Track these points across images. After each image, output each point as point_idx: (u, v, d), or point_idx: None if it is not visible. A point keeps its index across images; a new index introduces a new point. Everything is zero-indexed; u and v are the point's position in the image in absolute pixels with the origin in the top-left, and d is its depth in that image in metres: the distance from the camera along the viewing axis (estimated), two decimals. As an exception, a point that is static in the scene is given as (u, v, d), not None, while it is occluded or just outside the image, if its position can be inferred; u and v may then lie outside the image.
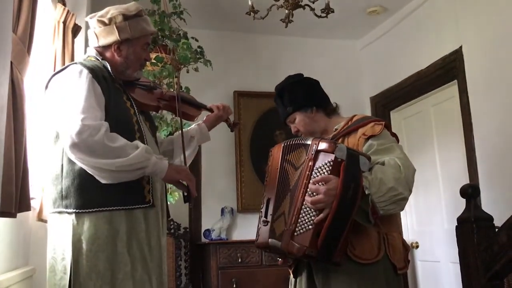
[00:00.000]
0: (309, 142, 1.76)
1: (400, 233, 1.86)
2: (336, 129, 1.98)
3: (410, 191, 1.74)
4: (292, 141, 1.86)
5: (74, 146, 1.64)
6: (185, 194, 1.85)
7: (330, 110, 2.06)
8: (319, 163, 1.69)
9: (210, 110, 2.22)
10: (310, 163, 1.71)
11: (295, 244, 1.66)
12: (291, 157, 1.83)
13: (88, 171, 1.69)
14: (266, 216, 1.82)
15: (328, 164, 1.67)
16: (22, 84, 1.72)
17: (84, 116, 1.65)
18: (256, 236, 1.86)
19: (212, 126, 2.25)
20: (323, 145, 1.70)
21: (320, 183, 1.65)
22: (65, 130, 1.66)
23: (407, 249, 1.87)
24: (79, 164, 1.69)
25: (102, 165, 1.66)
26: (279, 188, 1.82)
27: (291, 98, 2.04)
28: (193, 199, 1.85)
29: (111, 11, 1.90)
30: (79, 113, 1.66)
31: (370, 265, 1.74)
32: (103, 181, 1.69)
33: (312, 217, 1.65)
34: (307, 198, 1.66)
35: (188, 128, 2.23)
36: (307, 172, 1.70)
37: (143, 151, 1.70)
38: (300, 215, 1.68)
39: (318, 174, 1.69)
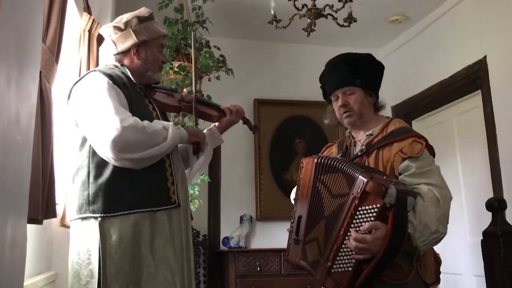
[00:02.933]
0: (355, 174, 1.60)
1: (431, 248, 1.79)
2: (371, 135, 1.85)
3: (448, 223, 1.69)
4: (327, 161, 1.73)
5: (121, 150, 1.69)
6: (195, 147, 2.02)
7: (379, 105, 1.94)
8: (365, 205, 1.57)
9: (223, 112, 2.22)
10: (355, 202, 1.58)
11: (332, 281, 1.62)
12: (326, 179, 1.71)
13: (131, 167, 1.75)
14: (297, 235, 1.77)
15: (375, 209, 1.56)
16: (50, 92, 1.75)
17: (121, 118, 1.69)
18: (287, 251, 1.83)
19: (224, 130, 2.24)
20: (372, 187, 1.55)
21: (366, 231, 1.56)
22: (105, 138, 1.69)
23: (438, 263, 1.81)
24: (124, 163, 1.74)
25: (149, 155, 1.75)
26: (312, 208, 1.75)
27: (364, 72, 1.86)
28: (200, 152, 2.03)
29: (125, 16, 1.96)
30: (114, 116, 1.69)
31: (400, 286, 1.67)
32: (143, 166, 1.78)
33: (352, 260, 1.59)
34: (352, 242, 1.57)
35: None
36: (351, 212, 1.59)
37: (174, 130, 1.82)
38: (339, 253, 1.62)
39: (362, 217, 1.59)
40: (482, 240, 2.16)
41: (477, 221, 3.81)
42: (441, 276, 4.41)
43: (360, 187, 1.57)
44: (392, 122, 1.88)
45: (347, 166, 1.66)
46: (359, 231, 1.57)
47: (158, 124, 1.82)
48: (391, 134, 1.81)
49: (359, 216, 1.59)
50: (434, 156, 1.81)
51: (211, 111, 2.18)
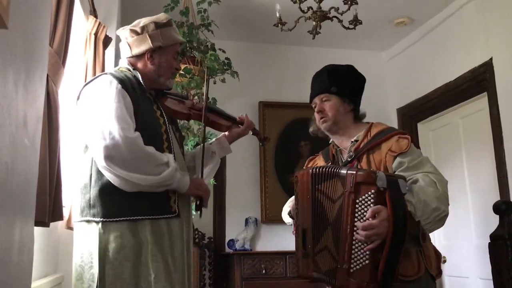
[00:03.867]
0: (343, 172, 1.69)
1: (430, 240, 1.84)
2: (356, 141, 1.92)
3: (448, 205, 1.73)
4: (322, 169, 1.79)
5: (109, 158, 1.68)
6: (197, 203, 1.95)
7: (358, 114, 2.01)
8: (360, 195, 1.63)
9: (240, 123, 2.22)
10: (351, 197, 1.64)
11: (353, 281, 1.62)
12: (324, 187, 1.75)
13: (112, 181, 1.72)
14: (305, 248, 1.78)
15: (370, 195, 1.61)
16: (57, 95, 1.75)
17: (121, 127, 1.69)
18: (297, 267, 1.85)
19: (233, 140, 2.25)
20: (361, 176, 1.63)
21: (370, 218, 1.60)
22: (99, 142, 1.69)
23: (438, 257, 1.85)
24: (108, 174, 1.72)
25: (132, 178, 1.71)
26: (315, 219, 1.76)
27: (340, 81, 1.96)
28: (202, 212, 1.96)
29: (143, 20, 1.95)
30: (114, 123, 1.69)
31: (413, 282, 1.72)
32: (125, 189, 1.73)
33: (366, 252, 1.61)
34: (361, 232, 1.61)
35: (209, 143, 2.23)
36: (351, 207, 1.64)
37: (172, 171, 1.76)
38: (353, 251, 1.63)
39: (362, 207, 1.63)
40: (489, 243, 2.15)
41: (484, 224, 3.79)
42: (448, 278, 4.40)
43: (351, 181, 1.64)
44: (373, 125, 1.95)
45: (338, 169, 1.73)
46: (364, 221, 1.61)
47: (162, 155, 1.78)
48: (375, 136, 1.88)
49: (359, 208, 1.63)
50: (418, 148, 1.89)
51: (221, 120, 2.16)
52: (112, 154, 1.67)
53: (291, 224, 2.08)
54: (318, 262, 1.74)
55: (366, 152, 1.86)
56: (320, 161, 2.07)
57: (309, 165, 2.13)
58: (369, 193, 1.61)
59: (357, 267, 1.62)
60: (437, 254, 1.85)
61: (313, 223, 1.77)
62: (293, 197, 2.10)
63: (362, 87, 2.04)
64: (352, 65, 2.07)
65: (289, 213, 2.03)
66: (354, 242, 1.63)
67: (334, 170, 1.74)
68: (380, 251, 1.58)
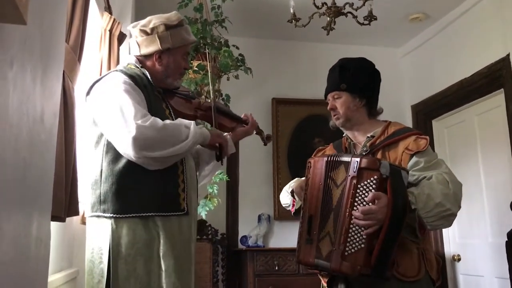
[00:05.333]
0: (347, 159, 1.72)
1: (431, 245, 1.84)
2: (372, 136, 1.92)
3: (459, 207, 1.71)
4: (334, 157, 1.80)
5: (142, 147, 1.68)
6: (218, 153, 1.99)
7: (374, 111, 2.00)
8: (363, 180, 1.65)
9: (245, 122, 2.22)
10: (353, 181, 1.66)
11: (347, 264, 1.63)
12: (334, 174, 1.77)
13: (150, 167, 1.74)
14: (309, 234, 1.78)
15: (373, 181, 1.63)
16: (73, 91, 1.77)
17: (140, 118, 1.69)
18: (297, 252, 1.83)
19: (238, 139, 2.23)
20: (365, 162, 1.65)
21: (370, 203, 1.62)
22: (126, 136, 1.68)
23: (438, 263, 1.84)
24: (145, 162, 1.73)
25: (169, 153, 1.73)
26: (323, 206, 1.77)
27: (351, 77, 1.95)
28: (223, 160, 2.02)
29: (153, 20, 1.93)
30: (134, 116, 1.69)
31: (413, 282, 1.71)
32: (162, 167, 1.76)
33: (363, 236, 1.62)
34: (357, 214, 1.63)
35: None
36: (352, 191, 1.66)
37: (196, 129, 1.80)
38: (349, 234, 1.65)
39: (363, 192, 1.65)
40: (506, 241, 2.12)
41: (499, 222, 3.75)
42: (463, 277, 4.36)
43: (356, 166, 1.66)
44: (391, 124, 1.95)
45: (346, 156, 1.76)
46: (364, 206, 1.63)
47: (180, 122, 1.82)
48: (394, 134, 1.87)
49: (360, 193, 1.65)
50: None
51: (227, 121, 2.15)
52: (142, 143, 1.67)
53: (288, 205, 2.08)
54: (321, 248, 1.74)
55: (382, 148, 1.86)
56: (330, 152, 2.06)
57: (318, 155, 2.11)
58: (371, 179, 1.64)
59: (352, 250, 1.64)
60: (437, 260, 1.84)
61: (321, 210, 1.77)
62: (296, 179, 2.12)
63: (374, 81, 2.01)
64: (365, 58, 2.04)
65: (292, 192, 2.03)
66: (351, 226, 1.65)
67: (341, 157, 1.76)
68: (376, 237, 1.60)
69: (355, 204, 1.65)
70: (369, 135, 1.93)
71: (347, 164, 1.70)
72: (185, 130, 1.79)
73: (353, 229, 1.65)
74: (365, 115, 1.97)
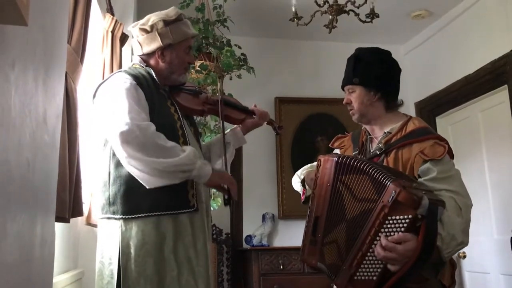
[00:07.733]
0: (384, 180, 1.53)
1: None
2: (389, 133, 1.81)
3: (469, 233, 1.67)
4: (350, 161, 1.65)
5: (126, 142, 1.65)
6: (226, 197, 1.91)
7: (392, 104, 1.89)
8: (395, 214, 1.51)
9: (253, 113, 2.21)
10: (384, 211, 1.52)
11: None
12: (349, 180, 1.64)
13: (133, 174, 1.71)
14: (314, 235, 1.72)
15: (406, 220, 1.50)
16: (75, 93, 1.77)
17: (132, 116, 1.69)
18: (302, 251, 1.78)
19: (248, 131, 2.23)
20: (405, 198, 1.48)
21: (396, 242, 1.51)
22: (115, 130, 1.68)
23: (454, 267, 1.77)
24: (127, 164, 1.70)
25: (151, 163, 1.67)
26: (331, 209, 1.68)
27: (363, 70, 1.86)
28: (233, 203, 1.91)
29: (152, 18, 1.94)
30: (127, 113, 1.69)
31: None
32: (147, 185, 1.71)
33: (378, 268, 1.54)
34: (379, 250, 1.52)
35: (224, 133, 2.22)
36: (379, 220, 1.53)
37: (191, 154, 1.74)
38: (364, 261, 1.57)
39: (392, 226, 1.53)
40: (511, 238, 2.11)
41: (505, 219, 3.73)
42: (468, 274, 4.35)
43: (392, 196, 1.50)
44: (411, 120, 1.84)
45: (373, 169, 1.58)
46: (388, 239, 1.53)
47: (185, 146, 1.79)
48: (411, 134, 1.76)
49: (388, 226, 1.53)
50: (453, 158, 1.77)
51: (235, 113, 2.14)
52: (128, 139, 1.65)
53: (300, 192, 2.05)
54: (325, 253, 1.69)
55: (396, 148, 1.76)
56: (347, 144, 1.99)
57: (335, 144, 2.06)
58: (405, 216, 1.50)
59: (362, 277, 1.57)
60: (452, 264, 1.76)
61: (328, 213, 1.69)
62: (309, 165, 2.07)
63: (391, 72, 1.90)
64: (379, 48, 1.94)
65: (302, 182, 1.98)
66: (368, 254, 1.56)
67: (364, 166, 1.61)
68: (392, 273, 1.52)
69: (379, 234, 1.54)
70: (386, 130, 1.84)
71: (380, 185, 1.54)
72: (179, 151, 1.74)
73: (370, 257, 1.56)
74: (382, 109, 1.86)
